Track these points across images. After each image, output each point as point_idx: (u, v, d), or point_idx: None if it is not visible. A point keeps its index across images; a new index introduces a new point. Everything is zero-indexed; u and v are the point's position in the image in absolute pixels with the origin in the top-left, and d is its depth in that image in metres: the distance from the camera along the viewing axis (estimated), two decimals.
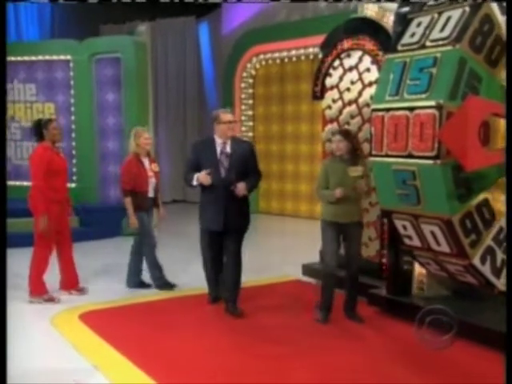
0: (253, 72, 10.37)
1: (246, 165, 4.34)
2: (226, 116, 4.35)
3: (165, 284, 5.18)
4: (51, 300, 4.79)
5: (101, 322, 4.31)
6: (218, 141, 4.34)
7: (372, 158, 4.02)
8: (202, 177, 4.25)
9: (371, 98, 4.54)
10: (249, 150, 4.44)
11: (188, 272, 5.82)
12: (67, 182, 5.04)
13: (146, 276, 5.24)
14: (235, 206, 4.29)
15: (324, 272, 4.29)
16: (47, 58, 8.58)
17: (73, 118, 8.53)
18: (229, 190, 4.22)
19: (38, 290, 4.81)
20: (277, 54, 9.84)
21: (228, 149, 4.34)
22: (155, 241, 5.18)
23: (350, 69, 5.07)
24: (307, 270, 5.43)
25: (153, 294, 5.06)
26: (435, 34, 3.69)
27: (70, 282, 5.05)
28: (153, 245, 5.16)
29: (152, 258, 5.16)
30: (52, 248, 4.88)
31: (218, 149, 4.33)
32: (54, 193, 4.76)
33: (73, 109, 8.55)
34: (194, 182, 4.29)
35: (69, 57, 8.51)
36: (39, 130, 4.86)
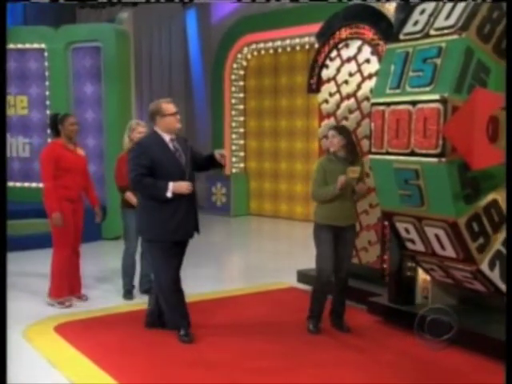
0: (244, 63, 10.37)
1: (195, 161, 4.18)
2: (170, 106, 4.08)
3: (128, 292, 5.18)
4: (61, 304, 4.93)
5: (78, 333, 4.28)
6: (166, 137, 4.06)
7: (371, 156, 4.02)
8: (182, 186, 3.93)
9: (371, 91, 4.54)
10: (189, 145, 4.24)
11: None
12: (84, 180, 5.10)
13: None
14: (195, 207, 4.15)
15: (319, 279, 4.28)
16: (19, 46, 8.51)
17: (48, 112, 8.47)
18: (191, 194, 4.03)
19: (58, 294, 4.95)
20: (270, 44, 9.84)
21: (177, 144, 4.10)
22: (135, 246, 5.15)
23: (349, 60, 5.08)
24: (303, 276, 5.42)
25: (134, 304, 5.03)
26: (440, 22, 3.69)
27: (74, 288, 5.12)
28: (131, 250, 5.13)
29: (126, 263, 5.14)
30: (72, 247, 4.98)
31: (170, 146, 4.06)
32: (65, 191, 4.86)
33: (48, 102, 8.49)
34: (169, 194, 3.91)
35: (43, 45, 8.44)
36: (55, 125, 4.95)
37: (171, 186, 3.92)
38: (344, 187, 4.07)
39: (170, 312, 4.14)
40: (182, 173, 4.04)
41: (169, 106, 4.08)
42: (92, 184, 5.28)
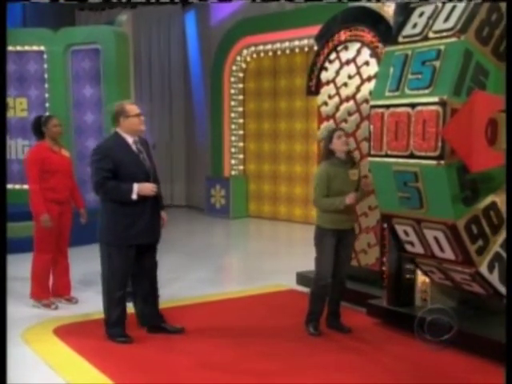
0: (243, 65, 10.37)
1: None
2: (134, 108, 4.05)
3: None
4: (47, 306, 4.94)
5: (77, 336, 4.28)
6: (129, 139, 4.03)
7: (371, 158, 4.02)
8: (146, 188, 3.91)
9: (370, 93, 4.55)
10: (149, 147, 4.22)
11: (175, 281, 5.80)
12: (70, 181, 5.10)
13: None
14: (159, 212, 4.17)
15: (318, 283, 4.27)
16: (18, 48, 8.53)
17: (47, 114, 8.48)
18: (156, 197, 4.03)
19: (39, 295, 4.99)
20: (269, 46, 9.85)
21: (140, 147, 4.07)
22: None
23: (348, 62, 5.09)
24: (302, 278, 5.42)
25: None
26: (439, 25, 3.70)
27: (62, 290, 5.14)
28: None
29: None
30: (53, 251, 4.98)
31: (134, 148, 4.03)
32: (52, 193, 4.87)
33: (47, 104, 8.51)
34: (134, 196, 3.88)
35: (42, 47, 8.47)
36: (38, 128, 4.95)
37: (136, 187, 3.90)
38: (354, 201, 4.09)
39: (107, 318, 4.14)
40: (147, 175, 4.03)
41: (133, 107, 4.08)
42: (77, 186, 5.27)
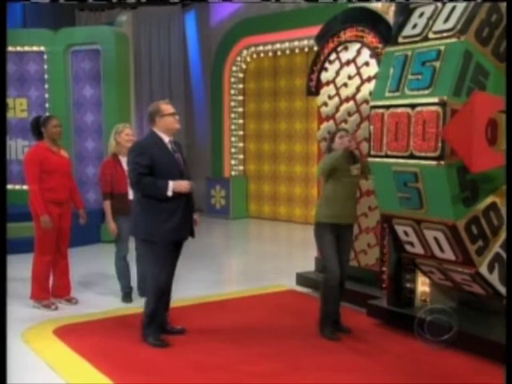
0: (243, 66, 10.38)
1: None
2: (168, 107, 4.12)
3: (126, 295, 5.19)
4: (47, 307, 4.94)
5: (77, 336, 4.28)
6: (165, 138, 4.10)
7: (371, 159, 4.03)
8: (182, 185, 3.98)
9: (370, 94, 4.56)
10: (182, 149, 4.27)
11: (176, 282, 5.80)
12: (69, 182, 5.09)
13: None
14: (191, 212, 4.19)
15: (330, 281, 4.17)
16: (18, 49, 8.53)
17: (47, 114, 8.48)
18: (189, 194, 4.07)
19: (39, 296, 4.98)
20: (269, 47, 9.87)
21: (175, 147, 4.14)
22: (126, 248, 5.16)
23: (348, 62, 5.10)
24: (302, 279, 5.43)
25: (133, 307, 5.03)
26: (439, 25, 3.71)
27: (62, 290, 5.14)
28: (121, 253, 5.15)
29: (120, 265, 5.17)
30: (53, 253, 4.98)
31: (169, 147, 4.10)
32: (51, 194, 4.86)
33: (47, 105, 8.51)
34: (170, 193, 3.94)
35: (42, 48, 8.47)
36: (37, 128, 4.93)
37: (171, 184, 3.96)
38: (348, 149, 4.14)
39: (148, 314, 4.12)
40: (181, 173, 4.08)
41: (167, 107, 4.14)
42: (76, 186, 5.27)
